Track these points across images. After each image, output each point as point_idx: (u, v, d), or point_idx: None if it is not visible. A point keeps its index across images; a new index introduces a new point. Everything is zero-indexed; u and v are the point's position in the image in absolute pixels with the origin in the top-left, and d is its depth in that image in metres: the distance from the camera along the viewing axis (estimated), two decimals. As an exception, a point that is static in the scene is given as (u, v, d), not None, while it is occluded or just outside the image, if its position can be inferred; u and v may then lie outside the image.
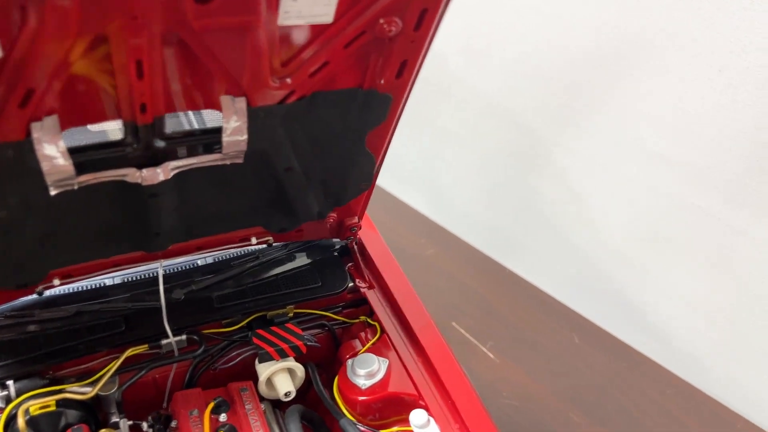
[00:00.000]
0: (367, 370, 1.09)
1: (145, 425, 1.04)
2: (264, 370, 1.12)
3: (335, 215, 1.20)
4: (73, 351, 1.06)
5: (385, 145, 1.06)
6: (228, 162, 0.95)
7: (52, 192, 0.85)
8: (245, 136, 0.91)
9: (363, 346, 1.18)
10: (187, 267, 1.23)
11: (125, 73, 0.75)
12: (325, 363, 1.27)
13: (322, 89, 0.89)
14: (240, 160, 0.96)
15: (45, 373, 1.05)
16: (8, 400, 1.00)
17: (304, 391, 1.20)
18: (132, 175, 0.90)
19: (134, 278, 1.19)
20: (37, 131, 0.77)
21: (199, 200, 1.03)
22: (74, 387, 1.04)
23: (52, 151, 0.81)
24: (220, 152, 0.93)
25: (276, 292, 1.20)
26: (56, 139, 0.79)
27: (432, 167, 2.51)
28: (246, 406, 1.07)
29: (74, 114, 0.79)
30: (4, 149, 0.77)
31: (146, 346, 1.10)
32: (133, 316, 1.12)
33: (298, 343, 1.12)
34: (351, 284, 1.27)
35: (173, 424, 1.04)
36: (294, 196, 1.08)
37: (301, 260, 1.27)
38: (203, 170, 0.96)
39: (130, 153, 0.87)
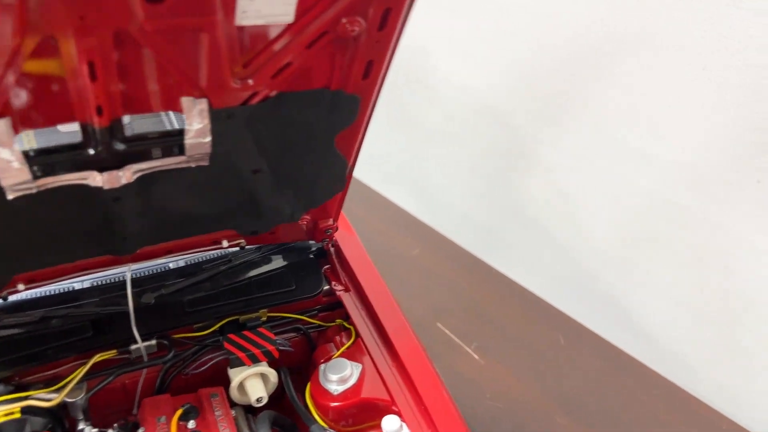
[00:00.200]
0: (339, 376, 1.08)
1: (111, 432, 1.02)
2: (236, 375, 1.10)
3: (309, 217, 1.18)
4: (39, 357, 1.04)
5: (356, 147, 1.04)
6: (193, 164, 0.94)
7: (10, 196, 0.84)
8: (209, 138, 0.89)
9: (338, 350, 1.17)
10: (159, 270, 1.21)
11: (78, 75, 0.73)
12: (300, 367, 1.25)
13: (286, 90, 0.87)
14: (206, 163, 0.94)
15: (11, 380, 1.03)
16: (-28, 407, 0.98)
17: (279, 396, 1.18)
18: (93, 178, 0.87)
19: (104, 282, 1.17)
20: (-12, 134, 0.75)
21: (167, 203, 1.01)
22: (40, 394, 1.02)
23: (6, 155, 0.79)
24: (183, 155, 0.91)
25: (249, 296, 1.18)
26: (9, 143, 0.77)
27: (419, 166, 2.49)
28: (216, 413, 1.06)
29: (28, 116, 0.77)
30: None
31: (115, 351, 1.08)
32: (101, 320, 1.10)
33: (271, 347, 1.10)
34: (326, 287, 1.26)
35: (140, 431, 1.02)
36: (264, 198, 1.06)
37: (276, 263, 1.25)
38: (169, 173, 0.94)
39: (89, 156, 0.85)
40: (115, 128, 0.83)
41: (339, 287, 1.27)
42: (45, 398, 1.01)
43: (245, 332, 1.12)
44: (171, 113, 0.90)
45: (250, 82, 0.83)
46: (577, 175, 1.93)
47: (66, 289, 1.15)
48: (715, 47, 1.46)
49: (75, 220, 0.96)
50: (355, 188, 2.65)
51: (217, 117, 0.85)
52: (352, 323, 1.20)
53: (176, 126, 0.90)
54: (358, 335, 1.17)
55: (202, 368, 1.15)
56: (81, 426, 1.03)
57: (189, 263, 1.23)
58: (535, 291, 2.13)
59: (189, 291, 1.17)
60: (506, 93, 2.03)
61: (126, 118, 0.86)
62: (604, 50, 1.70)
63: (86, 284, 1.17)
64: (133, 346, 1.09)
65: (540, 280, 2.14)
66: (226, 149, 0.92)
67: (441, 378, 1.11)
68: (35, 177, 0.84)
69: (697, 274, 1.74)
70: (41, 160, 0.83)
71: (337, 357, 1.13)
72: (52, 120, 0.79)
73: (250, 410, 1.14)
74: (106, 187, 0.89)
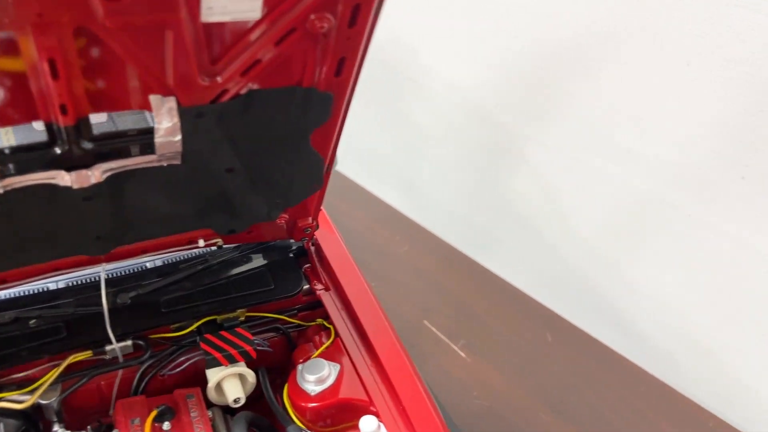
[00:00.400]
0: (316, 376, 1.07)
1: (84, 435, 1.02)
2: (213, 375, 1.09)
3: (287, 216, 1.17)
4: (12, 358, 1.03)
5: (333, 145, 1.03)
6: (165, 163, 0.92)
7: None
8: (179, 137, 0.87)
9: (317, 350, 1.16)
10: (135, 270, 1.20)
11: (39, 73, 0.71)
12: (280, 367, 1.24)
13: (257, 87, 0.86)
14: (177, 161, 0.92)
15: (-17, 382, 1.02)
16: (-57, 410, 0.97)
17: (258, 397, 1.17)
18: (61, 177, 0.86)
19: (79, 282, 1.16)
20: (-51, 134, 0.74)
21: (140, 202, 1.00)
22: (13, 395, 1.01)
23: (-31, 155, 0.78)
24: (154, 154, 0.90)
25: (227, 296, 1.17)
26: (-29, 142, 0.76)
27: (407, 163, 2.48)
28: (192, 414, 1.05)
29: (-8, 115, 0.76)
30: None
31: (90, 352, 1.07)
32: (76, 321, 1.09)
33: (248, 348, 1.09)
34: (306, 286, 1.25)
35: (114, 433, 1.02)
36: (239, 197, 1.05)
37: (255, 262, 1.24)
38: (141, 172, 0.92)
39: (57, 155, 0.84)
40: (81, 127, 0.81)
41: (319, 286, 1.26)
42: (18, 400, 1.00)
43: (222, 332, 1.11)
44: (146, 112, 0.89)
45: (219, 79, 0.81)
46: (564, 172, 1.92)
47: (40, 290, 1.14)
48: (699, 43, 1.46)
49: (46, 220, 0.95)
50: (343, 185, 2.65)
51: (186, 115, 0.84)
52: (331, 323, 1.19)
53: (150, 124, 0.88)
54: (337, 335, 1.16)
55: (179, 368, 1.14)
56: (56, 428, 1.02)
57: (166, 263, 1.22)
58: (522, 288, 2.13)
59: (165, 291, 1.16)
60: (493, 91, 2.02)
61: (102, 116, 0.85)
62: (589, 48, 1.69)
63: (61, 284, 1.16)
64: (108, 347, 1.08)
65: (527, 278, 2.13)
66: (198, 148, 0.91)
67: (421, 378, 1.10)
68: (1, 176, 0.83)
69: (683, 271, 1.74)
70: (8, 159, 0.82)
71: (315, 357, 1.12)
72: (16, 119, 0.78)
73: (227, 411, 1.13)
74: (75, 186, 0.88)
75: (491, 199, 2.20)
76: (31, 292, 1.14)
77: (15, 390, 1.02)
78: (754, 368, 1.69)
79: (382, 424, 1.02)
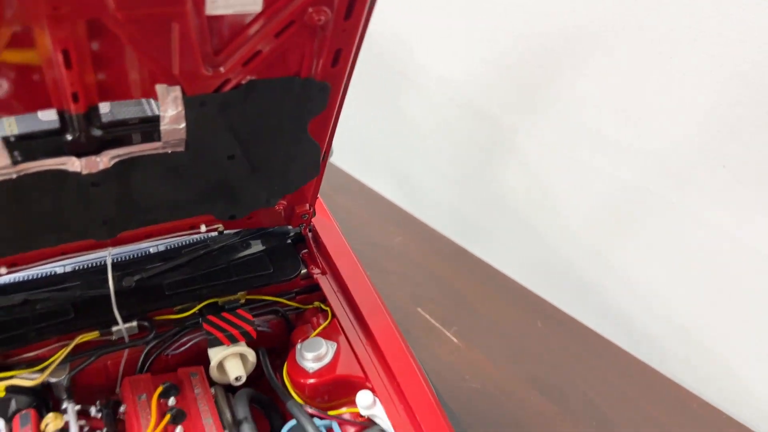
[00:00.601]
0: (314, 354, 1.12)
1: (93, 410, 1.06)
2: (215, 355, 1.13)
3: (285, 202, 1.21)
4: (23, 339, 1.07)
5: (329, 134, 1.07)
6: (169, 150, 0.97)
7: None
8: (183, 125, 0.92)
9: (315, 331, 1.21)
10: (140, 255, 1.24)
11: (53, 63, 0.76)
12: (279, 348, 1.29)
13: (258, 78, 0.90)
14: (182, 149, 0.97)
15: (-4, 361, 1.07)
16: (-43, 387, 1.01)
17: (259, 376, 1.22)
18: (71, 163, 0.91)
19: (86, 266, 1.20)
20: (-32, 121, 0.78)
21: (145, 188, 1.04)
22: (24, 374, 1.05)
23: (-14, 141, 0.82)
24: (160, 141, 0.94)
25: (228, 279, 1.22)
26: (-12, 129, 0.80)
27: (401, 156, 2.53)
28: (195, 391, 1.09)
29: (7, 103, 0.80)
30: None
31: (97, 333, 1.12)
32: (83, 303, 1.13)
33: (249, 328, 1.14)
34: (304, 270, 1.29)
35: (122, 408, 1.06)
36: (239, 184, 1.09)
37: (254, 248, 1.29)
38: (146, 158, 0.97)
39: (68, 142, 0.88)
40: (92, 115, 0.86)
41: (316, 270, 1.30)
42: (29, 377, 1.05)
43: (224, 314, 1.16)
44: (152, 100, 0.93)
45: (222, 69, 0.86)
46: (553, 164, 1.97)
47: (48, 273, 1.18)
48: (683, 37, 1.51)
49: (57, 204, 0.99)
50: (337, 177, 2.70)
51: (190, 104, 0.89)
52: (328, 305, 1.24)
53: (154, 112, 0.93)
54: (333, 315, 1.21)
55: (183, 348, 1.19)
56: (65, 405, 1.06)
57: (169, 248, 1.26)
58: (514, 277, 2.18)
59: (169, 275, 1.20)
60: (485, 85, 2.07)
61: (106, 105, 0.89)
62: (577, 41, 1.74)
63: (68, 268, 1.20)
64: (114, 328, 1.12)
65: (518, 267, 2.19)
66: (201, 135, 0.95)
67: (414, 356, 1.15)
68: (15, 162, 0.87)
69: (668, 258, 1.79)
70: (21, 146, 0.86)
71: (313, 337, 1.17)
72: (30, 107, 0.82)
73: (229, 389, 1.18)
74: (84, 172, 0.92)
75: (483, 190, 2.25)
76: (40, 276, 1.18)
77: (26, 368, 1.06)
78: (735, 351, 1.75)
79: (377, 399, 1.07)
